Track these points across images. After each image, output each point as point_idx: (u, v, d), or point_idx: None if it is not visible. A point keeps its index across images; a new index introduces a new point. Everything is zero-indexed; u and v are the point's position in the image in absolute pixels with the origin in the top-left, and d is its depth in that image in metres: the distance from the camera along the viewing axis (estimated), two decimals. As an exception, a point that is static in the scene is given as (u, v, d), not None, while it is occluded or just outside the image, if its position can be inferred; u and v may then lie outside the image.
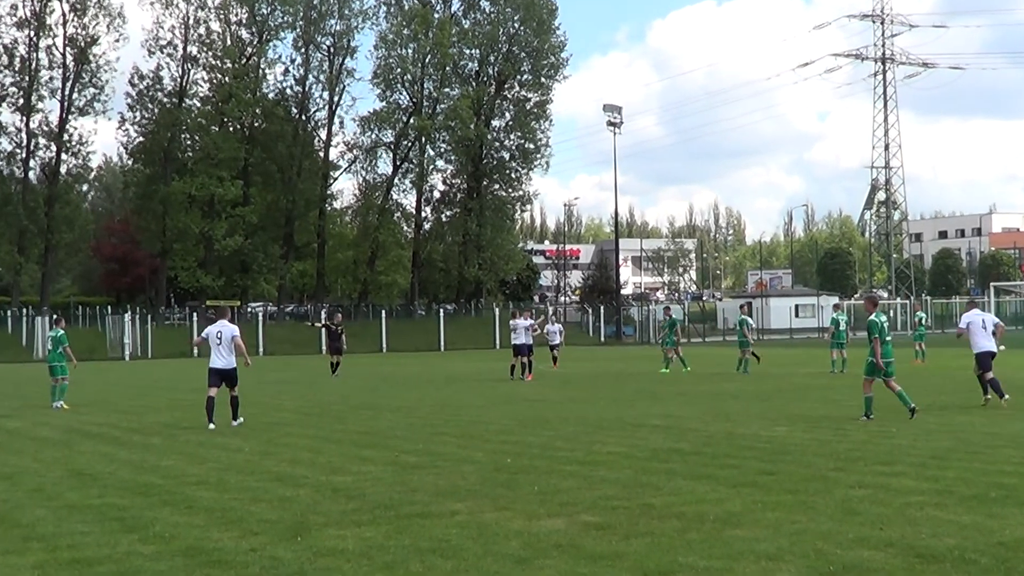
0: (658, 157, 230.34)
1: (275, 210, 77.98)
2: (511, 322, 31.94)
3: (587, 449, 13.67)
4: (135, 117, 75.73)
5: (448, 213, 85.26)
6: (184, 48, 75.24)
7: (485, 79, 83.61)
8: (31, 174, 74.38)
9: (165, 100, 75.90)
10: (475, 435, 15.77)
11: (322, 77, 79.33)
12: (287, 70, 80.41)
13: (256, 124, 78.41)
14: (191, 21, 75.12)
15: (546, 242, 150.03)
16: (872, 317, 16.71)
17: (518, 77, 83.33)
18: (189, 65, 75.77)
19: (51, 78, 72.60)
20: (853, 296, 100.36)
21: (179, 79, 76.00)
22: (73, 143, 72.89)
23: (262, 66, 78.21)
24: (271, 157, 77.61)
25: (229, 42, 75.94)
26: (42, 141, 72.84)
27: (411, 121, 78.75)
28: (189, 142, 77.84)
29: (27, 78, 70.83)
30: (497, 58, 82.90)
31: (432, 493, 10.47)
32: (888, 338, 16.69)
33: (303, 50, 78.70)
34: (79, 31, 71.90)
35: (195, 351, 18.59)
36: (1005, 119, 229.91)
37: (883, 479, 10.69)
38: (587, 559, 7.52)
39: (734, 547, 7.77)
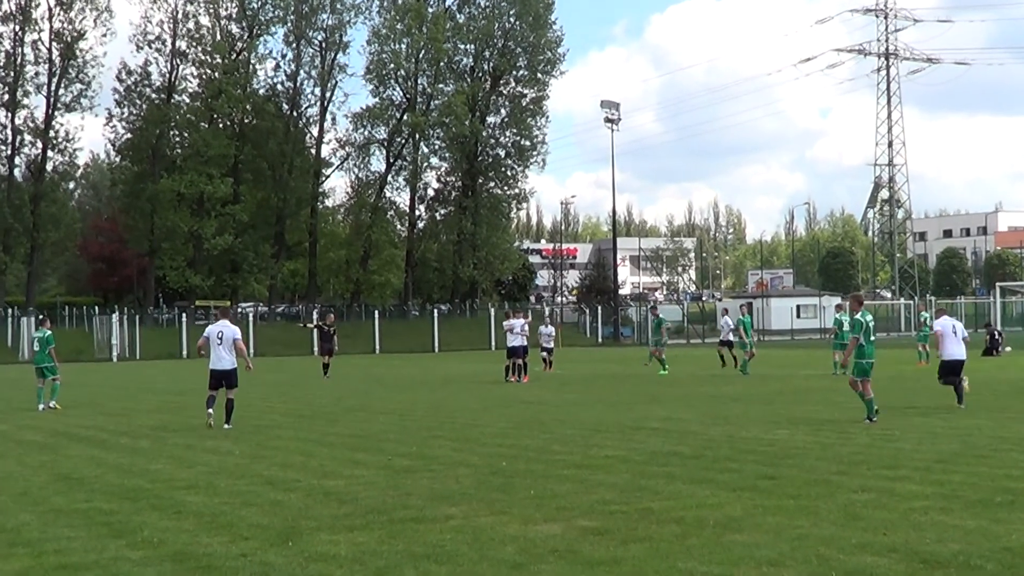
0: (657, 154, 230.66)
1: (266, 208, 77.99)
2: (505, 323, 31.81)
3: (584, 452, 13.67)
4: (123, 113, 75.82)
5: (442, 211, 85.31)
6: (173, 43, 75.30)
7: (480, 75, 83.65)
8: (16, 171, 74.41)
9: (153, 96, 75.89)
10: (470, 438, 15.77)
11: (314, 72, 79.43)
12: (278, 65, 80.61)
13: (246, 120, 78.40)
14: (180, 15, 75.23)
15: (542, 241, 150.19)
16: (858, 316, 16.98)
17: (514, 73, 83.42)
18: (178, 60, 75.82)
19: (37, 73, 72.72)
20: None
21: (168, 74, 76.03)
22: (59, 140, 72.91)
23: (252, 61, 78.25)
24: (262, 154, 77.60)
25: (219, 37, 75.95)
26: (28, 138, 72.87)
27: (404, 117, 78.79)
28: (178, 139, 77.84)
29: (12, 73, 70.80)
30: (492, 53, 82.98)
31: (426, 497, 10.47)
32: (872, 339, 16.94)
33: (294, 45, 78.74)
34: (65, 25, 71.91)
35: (200, 353, 18.54)
36: (1011, 115, 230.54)
37: (887, 483, 10.69)
38: (584, 565, 7.52)
39: (734, 552, 7.77)
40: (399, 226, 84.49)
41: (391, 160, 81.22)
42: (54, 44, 71.79)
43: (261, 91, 79.57)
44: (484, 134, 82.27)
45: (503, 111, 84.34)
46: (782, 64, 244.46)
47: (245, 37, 77.67)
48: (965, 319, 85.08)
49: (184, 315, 64.46)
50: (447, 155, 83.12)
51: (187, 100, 77.86)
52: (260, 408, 22.09)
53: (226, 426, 17.54)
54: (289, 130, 78.69)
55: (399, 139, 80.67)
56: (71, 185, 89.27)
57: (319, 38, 78.94)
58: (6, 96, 71.29)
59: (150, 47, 75.30)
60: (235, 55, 76.87)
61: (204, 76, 76.35)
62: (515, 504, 9.96)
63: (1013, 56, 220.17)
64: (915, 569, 7.23)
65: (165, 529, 9.10)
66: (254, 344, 61.68)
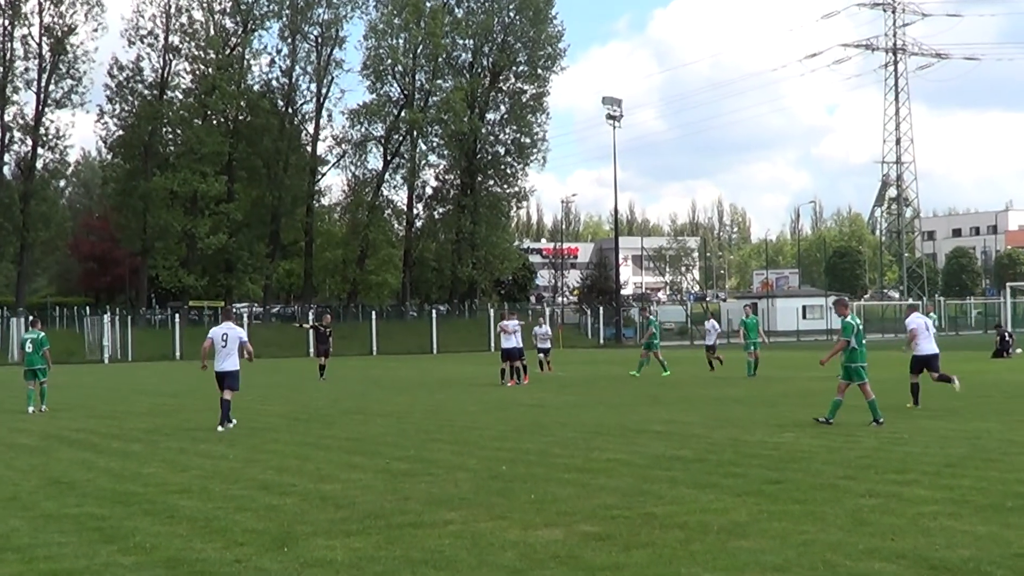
0: (660, 152, 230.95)
1: (260, 207, 77.94)
2: (501, 323, 31.75)
3: (586, 456, 13.68)
4: (114, 110, 75.62)
5: (441, 210, 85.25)
6: (165, 38, 75.14)
7: (479, 70, 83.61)
8: (6, 169, 74.32)
9: (146, 92, 75.77)
10: (469, 441, 15.77)
11: (309, 68, 79.35)
12: (273, 61, 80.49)
13: (241, 117, 78.33)
14: (173, 9, 75.03)
15: (543, 240, 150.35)
16: (847, 319, 17.23)
17: (514, 68, 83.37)
18: (171, 56, 75.65)
19: (27, 69, 72.50)
20: (863, 297, 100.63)
21: (160, 70, 75.88)
22: (50, 137, 72.76)
23: (247, 57, 78.19)
24: (256, 152, 77.54)
25: (212, 32, 75.83)
26: (17, 135, 72.68)
27: (402, 114, 78.76)
28: (171, 136, 77.71)
29: (1, 69, 70.65)
30: (492, 48, 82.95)
31: (424, 502, 10.47)
32: (864, 341, 17.28)
33: (289, 40, 78.66)
34: (56, 20, 71.77)
35: (203, 365, 18.56)
36: (1022, 112, 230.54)
37: (895, 488, 10.70)
38: (586, 571, 7.52)
39: (739, 558, 7.77)
40: (396, 225, 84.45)
41: (388, 158, 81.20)
42: (44, 39, 71.67)
43: (256, 87, 79.44)
44: (483, 131, 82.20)
45: (503, 107, 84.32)
46: (787, 59, 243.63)
47: (239, 32, 77.58)
48: (974, 320, 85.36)
49: (177, 316, 64.46)
50: (446, 152, 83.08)
51: (180, 96, 77.70)
52: (255, 411, 22.08)
53: (219, 428, 17.57)
54: (284, 127, 78.66)
55: (397, 136, 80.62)
56: (62, 183, 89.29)
57: (315, 33, 78.90)
58: (-5, 92, 71.25)
59: (142, 42, 75.19)
60: (229, 50, 76.76)
61: (197, 72, 76.22)
62: (515, 509, 9.96)
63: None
64: None
65: (158, 534, 9.10)
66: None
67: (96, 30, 78.76)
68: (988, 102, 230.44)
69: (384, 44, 78.41)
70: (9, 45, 71.22)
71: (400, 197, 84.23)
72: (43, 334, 23.66)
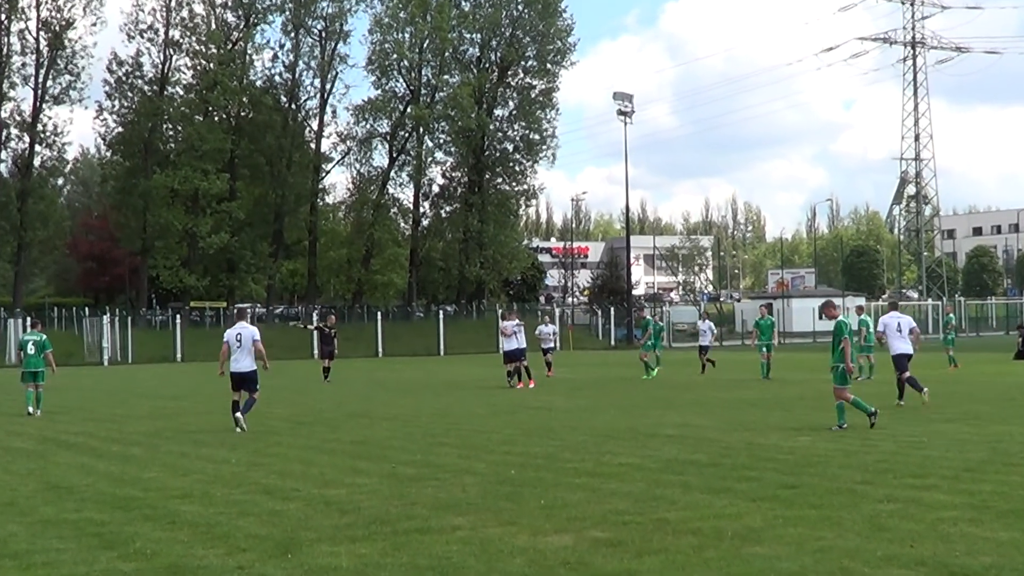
0: (672, 149, 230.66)
1: (263, 205, 78.05)
2: (501, 324, 31.71)
3: (596, 460, 13.68)
4: (113, 106, 75.75)
5: (448, 208, 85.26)
6: (166, 32, 75.25)
7: (487, 65, 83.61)
8: (2, 167, 74.46)
9: (146, 88, 75.89)
10: (477, 445, 15.79)
11: (313, 63, 79.37)
12: (276, 56, 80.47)
13: (243, 113, 78.43)
14: (173, 3, 75.06)
15: (552, 239, 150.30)
16: (840, 318, 17.41)
17: (522, 63, 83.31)
18: (171, 50, 75.75)
19: (24, 64, 72.61)
20: (881, 297, 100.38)
21: (160, 65, 75.98)
22: (47, 134, 72.91)
23: (249, 52, 78.17)
24: (259, 149, 77.65)
25: (214, 26, 75.92)
26: (14, 131, 72.83)
27: (408, 110, 78.77)
28: (171, 133, 77.83)
29: (-2, 64, 70.93)
30: (500, 43, 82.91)
31: (431, 507, 10.48)
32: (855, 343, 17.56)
33: (293, 34, 78.73)
34: (53, 14, 71.89)
35: (220, 372, 18.82)
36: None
37: (914, 493, 10.69)
38: (597, 578, 7.52)
39: (754, 565, 7.77)
40: (402, 224, 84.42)
41: (394, 155, 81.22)
42: (42, 34, 71.75)
43: (258, 83, 79.47)
44: (491, 127, 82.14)
45: (511, 103, 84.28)
46: (803, 54, 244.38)
47: (241, 26, 77.67)
48: (996, 320, 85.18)
49: (178, 317, 64.58)
50: (452, 149, 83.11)
51: (181, 92, 77.75)
52: (258, 414, 22.07)
53: (239, 414, 18.04)
54: (287, 124, 78.66)
55: (402, 133, 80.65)
56: (60, 181, 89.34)
57: (319, 27, 78.93)
58: (-8, 89, 71.47)
59: (142, 37, 75.26)
60: (231, 45, 76.85)
61: (199, 67, 76.30)
62: (524, 514, 9.97)
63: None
64: (944, 583, 7.23)
65: (158, 540, 9.12)
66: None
67: (95, 24, 78.87)
68: (1010, 97, 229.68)
69: (389, 38, 78.47)
70: (6, 40, 71.33)
71: (406, 195, 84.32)
72: (45, 336, 23.72)
